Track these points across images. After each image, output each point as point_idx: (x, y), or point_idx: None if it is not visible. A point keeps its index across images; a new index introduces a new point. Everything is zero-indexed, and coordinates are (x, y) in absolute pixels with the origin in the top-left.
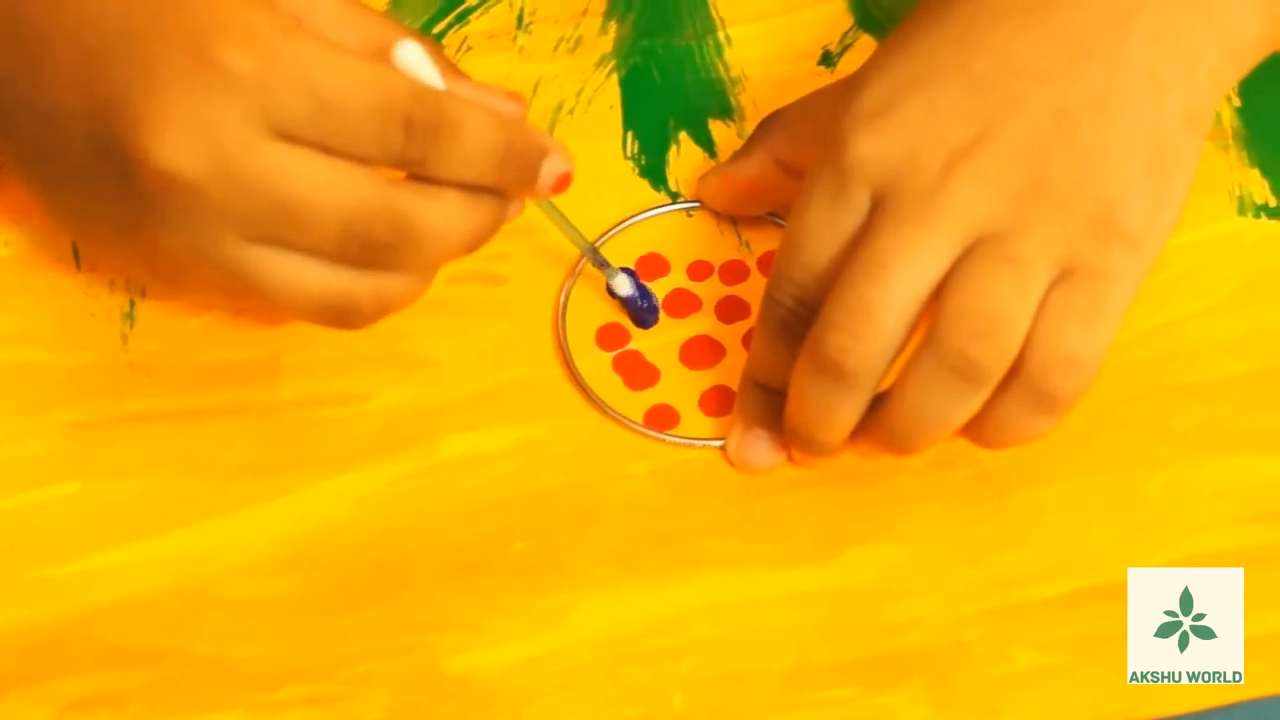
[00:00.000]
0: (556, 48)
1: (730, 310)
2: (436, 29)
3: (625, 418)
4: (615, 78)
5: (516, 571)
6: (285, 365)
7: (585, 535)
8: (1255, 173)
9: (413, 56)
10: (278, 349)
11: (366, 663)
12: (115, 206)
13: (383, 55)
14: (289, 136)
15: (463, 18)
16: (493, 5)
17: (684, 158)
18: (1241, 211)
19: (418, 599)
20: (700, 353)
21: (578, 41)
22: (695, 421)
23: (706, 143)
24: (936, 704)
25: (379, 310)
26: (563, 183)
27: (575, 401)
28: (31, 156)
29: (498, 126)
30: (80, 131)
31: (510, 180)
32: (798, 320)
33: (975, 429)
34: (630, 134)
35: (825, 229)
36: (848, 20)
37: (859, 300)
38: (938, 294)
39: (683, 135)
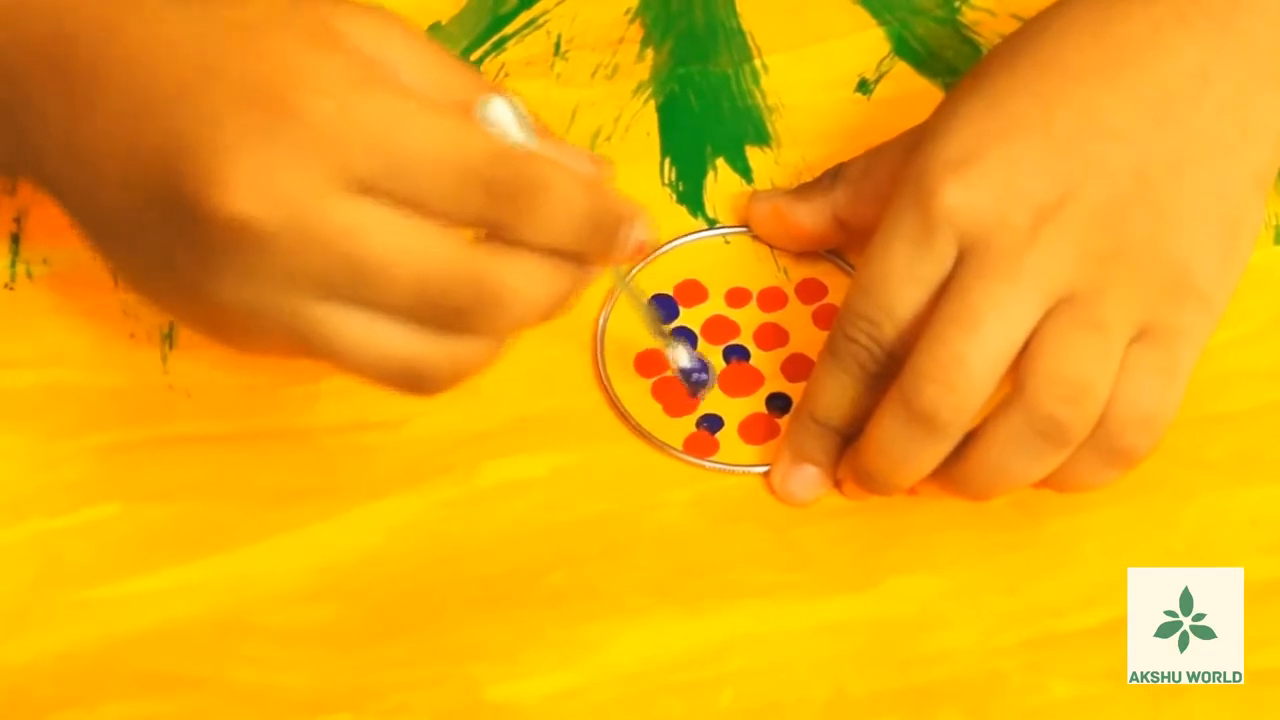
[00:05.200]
0: (594, 74)
1: (769, 337)
2: (474, 56)
3: (665, 444)
4: (653, 104)
5: (553, 601)
6: (324, 389)
7: (622, 564)
8: None
9: (501, 114)
10: (317, 372)
11: (403, 692)
12: (172, 258)
13: (465, 108)
14: (364, 190)
15: (500, 45)
16: (530, 32)
17: (721, 184)
18: (1277, 241)
19: (454, 628)
20: (739, 380)
21: (615, 69)
22: (734, 448)
23: (744, 169)
24: None
25: (453, 376)
26: (642, 250)
27: (614, 428)
28: (79, 200)
29: (582, 191)
30: (133, 177)
31: (592, 247)
32: (871, 359)
33: (1045, 478)
34: (667, 160)
35: (907, 274)
36: (884, 48)
37: (952, 353)
38: (1023, 351)
39: (720, 162)
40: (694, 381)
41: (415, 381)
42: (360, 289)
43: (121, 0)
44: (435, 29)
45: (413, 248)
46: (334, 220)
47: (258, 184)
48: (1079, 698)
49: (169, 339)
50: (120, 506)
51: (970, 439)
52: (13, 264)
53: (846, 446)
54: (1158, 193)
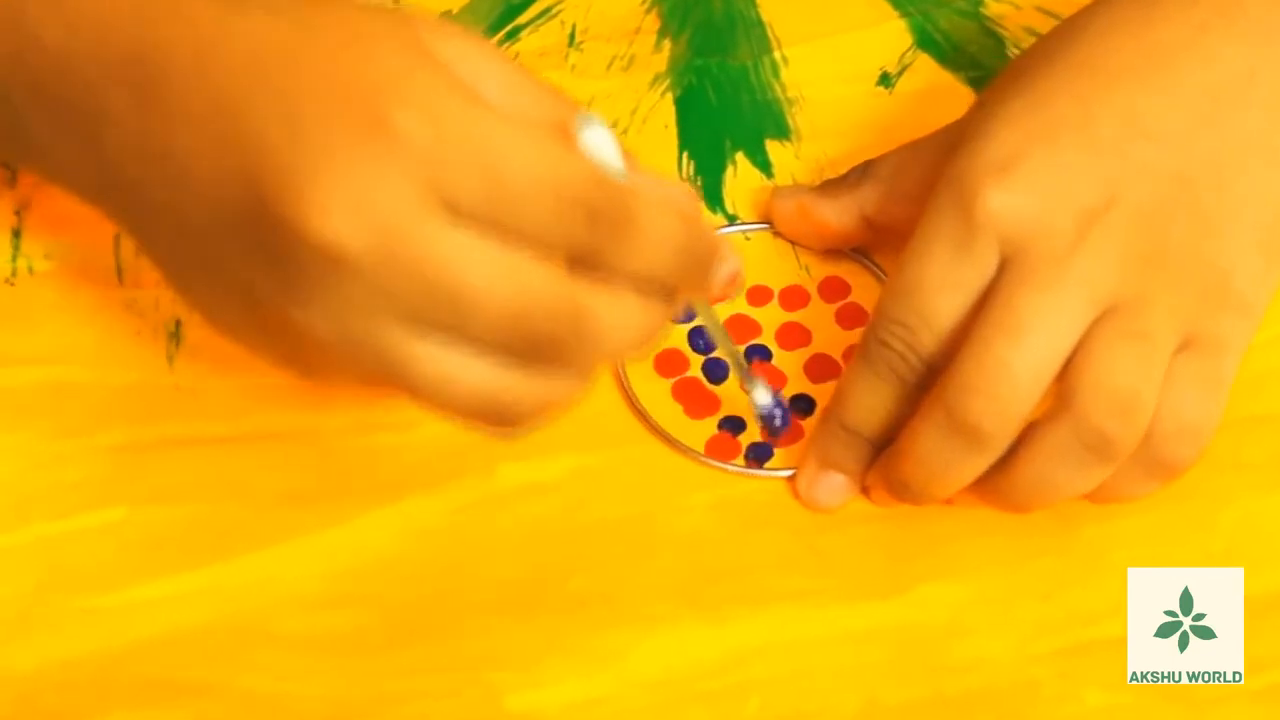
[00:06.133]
0: (609, 66)
1: (791, 337)
2: None
3: (687, 447)
4: (670, 97)
5: (573, 607)
6: (336, 389)
7: (644, 569)
8: None
9: (600, 140)
10: None
11: (421, 700)
12: (250, 278)
13: (562, 131)
14: (460, 215)
15: (514, 34)
16: (544, 22)
17: (741, 179)
18: None
19: (472, 635)
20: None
21: (631, 60)
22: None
23: (764, 164)
24: None
25: (537, 413)
26: (732, 283)
27: (634, 429)
28: (150, 214)
29: (678, 222)
30: (213, 190)
31: (686, 279)
32: (907, 367)
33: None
34: (686, 154)
35: (947, 279)
36: (906, 40)
37: (998, 363)
38: (1069, 362)
39: (739, 156)
40: (774, 427)
41: (499, 416)
42: (453, 319)
43: (213, 16)
44: (445, 17)
45: (510, 277)
46: (430, 247)
47: (351, 207)
48: (1114, 707)
49: (176, 337)
50: (126, 509)
51: (1013, 451)
52: (14, 258)
53: (876, 454)
54: (1200, 197)
